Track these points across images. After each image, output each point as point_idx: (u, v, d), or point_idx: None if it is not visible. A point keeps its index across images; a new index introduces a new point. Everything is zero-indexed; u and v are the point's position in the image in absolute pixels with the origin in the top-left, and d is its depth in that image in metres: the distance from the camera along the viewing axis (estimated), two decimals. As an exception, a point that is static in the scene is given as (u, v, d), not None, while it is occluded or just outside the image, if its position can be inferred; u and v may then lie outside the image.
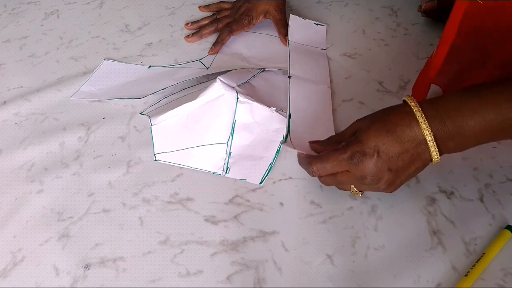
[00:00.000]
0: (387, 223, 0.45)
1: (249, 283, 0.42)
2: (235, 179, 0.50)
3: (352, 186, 0.43)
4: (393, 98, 0.56)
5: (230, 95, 0.52)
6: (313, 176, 0.43)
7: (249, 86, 0.57)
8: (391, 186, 0.41)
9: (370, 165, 0.40)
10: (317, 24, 0.67)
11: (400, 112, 0.40)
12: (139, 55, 0.67)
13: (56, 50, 0.69)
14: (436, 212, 0.45)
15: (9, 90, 0.64)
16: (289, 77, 0.59)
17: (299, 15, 0.71)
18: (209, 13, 0.72)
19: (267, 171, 0.50)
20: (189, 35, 0.68)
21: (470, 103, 0.39)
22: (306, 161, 0.44)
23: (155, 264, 0.44)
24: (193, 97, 0.53)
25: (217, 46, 0.65)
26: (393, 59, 0.62)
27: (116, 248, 0.45)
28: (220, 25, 0.68)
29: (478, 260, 0.41)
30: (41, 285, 0.43)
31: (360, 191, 0.43)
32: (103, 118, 0.58)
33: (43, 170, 0.53)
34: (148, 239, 0.46)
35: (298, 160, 0.46)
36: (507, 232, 0.43)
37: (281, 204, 0.47)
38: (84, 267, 0.44)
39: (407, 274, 0.41)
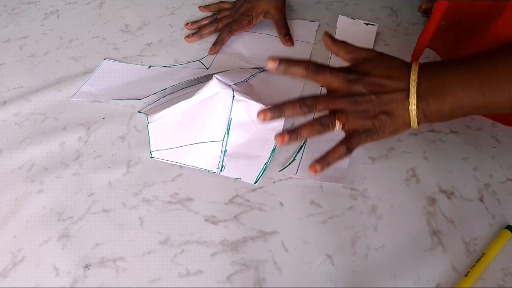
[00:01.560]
0: (387, 223, 0.45)
1: (249, 283, 0.42)
2: (235, 179, 0.50)
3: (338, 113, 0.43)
4: (393, 98, 0.56)
5: (226, 93, 0.52)
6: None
7: (247, 85, 0.57)
8: (374, 98, 0.43)
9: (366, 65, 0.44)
10: (367, 24, 0.66)
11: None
12: (139, 55, 0.67)
13: (56, 50, 0.69)
14: (436, 212, 0.45)
15: (9, 90, 0.64)
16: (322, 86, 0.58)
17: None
18: (209, 13, 0.72)
19: (262, 170, 0.50)
20: (189, 35, 0.68)
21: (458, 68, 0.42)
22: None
23: (155, 264, 0.44)
24: (190, 95, 0.53)
25: (217, 46, 0.65)
26: (393, 59, 0.62)
27: (116, 248, 0.45)
28: (220, 25, 0.68)
29: (478, 260, 0.41)
30: (41, 285, 0.43)
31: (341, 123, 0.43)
32: (103, 118, 0.58)
33: (43, 170, 0.53)
34: (148, 239, 0.46)
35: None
36: (507, 232, 0.43)
37: (281, 204, 0.47)
38: (84, 267, 0.44)
39: (407, 274, 0.41)
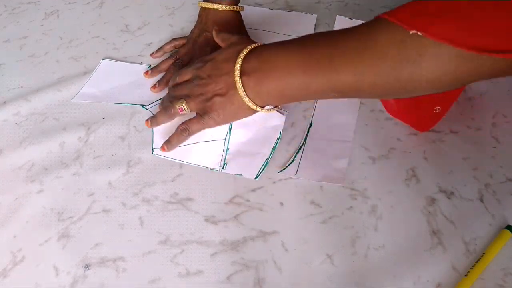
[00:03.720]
0: (387, 223, 0.45)
1: (249, 283, 0.42)
2: (235, 178, 0.50)
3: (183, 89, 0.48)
4: (393, 98, 0.56)
5: None
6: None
7: None
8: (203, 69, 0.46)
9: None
10: None
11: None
12: (139, 55, 0.67)
13: (56, 50, 0.69)
14: (436, 212, 0.45)
15: (9, 90, 0.64)
16: None
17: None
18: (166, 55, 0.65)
19: (263, 166, 0.50)
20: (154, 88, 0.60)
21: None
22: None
23: (155, 264, 0.44)
24: None
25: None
26: (393, 59, 0.62)
27: (116, 248, 0.45)
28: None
29: (478, 260, 0.41)
30: (41, 285, 0.43)
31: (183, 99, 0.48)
32: (103, 118, 0.58)
33: (43, 170, 0.53)
34: (148, 239, 0.46)
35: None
36: (507, 232, 0.43)
37: (281, 204, 0.47)
38: (84, 267, 0.44)
39: (407, 274, 0.41)
